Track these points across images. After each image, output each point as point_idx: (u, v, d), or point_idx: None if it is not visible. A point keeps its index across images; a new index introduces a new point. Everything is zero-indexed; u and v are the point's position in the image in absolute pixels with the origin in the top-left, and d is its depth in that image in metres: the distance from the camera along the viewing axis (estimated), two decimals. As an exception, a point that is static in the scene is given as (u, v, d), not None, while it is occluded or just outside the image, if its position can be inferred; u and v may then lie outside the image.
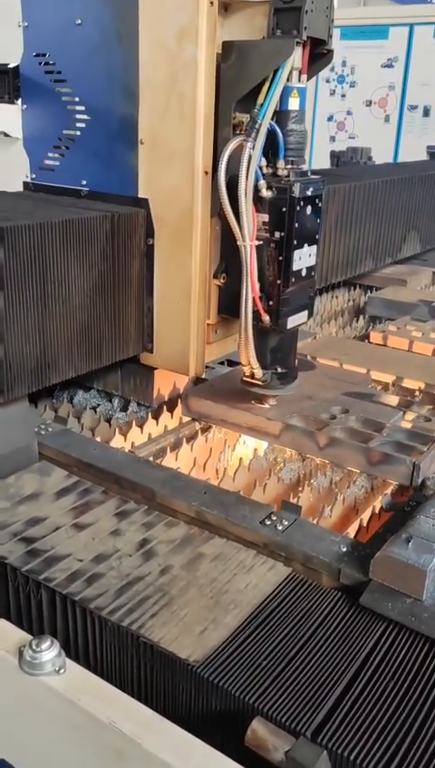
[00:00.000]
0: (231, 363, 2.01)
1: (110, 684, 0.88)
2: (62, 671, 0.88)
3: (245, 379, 1.61)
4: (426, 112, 5.65)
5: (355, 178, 2.64)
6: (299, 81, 1.47)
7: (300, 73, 1.47)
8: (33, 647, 0.89)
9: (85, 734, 0.85)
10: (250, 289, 1.47)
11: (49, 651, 0.89)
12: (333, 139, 6.03)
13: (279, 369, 1.61)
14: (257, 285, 1.49)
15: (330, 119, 6.08)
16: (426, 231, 3.26)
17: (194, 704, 0.96)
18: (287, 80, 1.43)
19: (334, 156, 4.23)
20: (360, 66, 5.82)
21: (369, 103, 5.88)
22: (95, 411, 1.85)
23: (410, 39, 5.57)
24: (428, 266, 3.37)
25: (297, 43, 1.42)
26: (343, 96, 5.98)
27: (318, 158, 4.93)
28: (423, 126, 5.68)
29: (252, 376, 1.59)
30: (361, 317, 2.74)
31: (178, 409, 1.78)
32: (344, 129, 6.05)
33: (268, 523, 1.24)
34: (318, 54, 1.53)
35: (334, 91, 6.00)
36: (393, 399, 1.73)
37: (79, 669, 0.90)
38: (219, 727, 0.93)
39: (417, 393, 1.92)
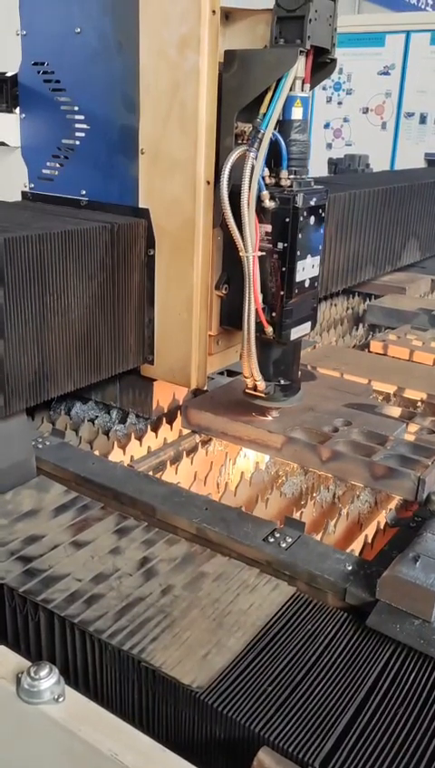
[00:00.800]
0: (231, 373, 1.99)
1: (110, 710, 0.85)
2: (61, 699, 0.85)
3: (247, 391, 1.59)
4: (423, 119, 5.66)
5: (355, 187, 2.63)
6: (302, 90, 1.46)
7: (303, 82, 1.46)
8: (32, 674, 0.86)
9: (86, 765, 0.82)
10: (253, 300, 1.46)
11: (48, 679, 0.85)
12: (329, 146, 6.04)
13: (282, 381, 1.59)
14: (260, 296, 1.47)
15: (326, 126, 6.09)
16: (425, 238, 3.26)
17: (197, 731, 0.93)
18: (290, 89, 1.42)
19: (332, 163, 4.23)
20: (356, 73, 5.84)
21: (365, 110, 5.89)
22: (93, 423, 1.83)
23: (407, 46, 5.59)
24: (427, 274, 3.37)
25: (301, 52, 1.41)
26: (340, 103, 6.00)
27: (314, 166, 4.93)
28: (420, 133, 5.70)
29: (254, 388, 1.57)
30: (360, 325, 2.72)
31: (178, 421, 1.75)
32: (341, 136, 6.05)
33: (271, 540, 1.22)
34: (321, 63, 1.51)
35: (331, 98, 6.01)
36: (396, 411, 1.71)
37: (79, 697, 0.87)
38: (224, 757, 0.90)
39: (419, 404, 1.90)
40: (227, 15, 1.52)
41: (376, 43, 5.68)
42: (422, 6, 10.44)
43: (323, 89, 5.92)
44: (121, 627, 1.03)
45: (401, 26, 5.59)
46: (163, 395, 1.82)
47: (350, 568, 1.15)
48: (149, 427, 1.77)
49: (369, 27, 5.75)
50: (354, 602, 1.10)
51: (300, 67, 1.42)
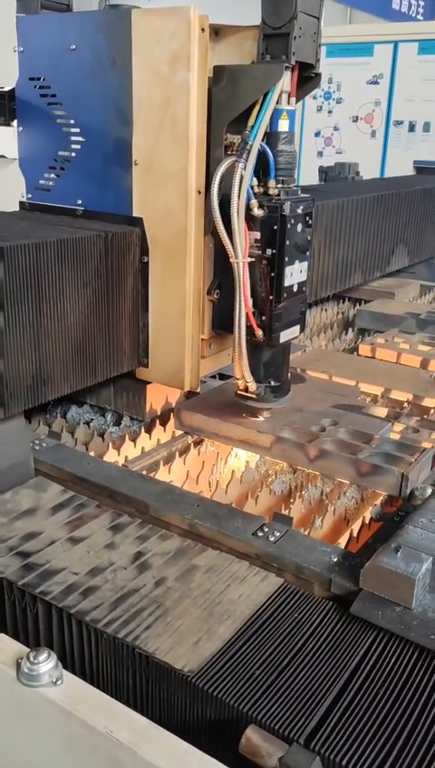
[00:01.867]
0: (222, 377, 2.05)
1: (106, 694, 0.90)
2: (59, 682, 0.90)
3: (239, 392, 1.65)
4: (411, 127, 5.76)
5: (344, 194, 2.70)
6: (288, 103, 1.52)
7: (289, 96, 1.52)
8: (31, 658, 0.90)
9: (83, 743, 0.87)
10: (243, 304, 1.51)
11: (46, 663, 0.90)
12: (320, 154, 6.13)
13: (272, 383, 1.64)
14: (250, 301, 1.53)
15: (317, 134, 6.18)
16: (413, 244, 3.32)
17: (189, 713, 0.98)
18: (277, 102, 1.48)
19: (323, 171, 4.30)
20: (346, 83, 5.93)
21: (355, 119, 5.98)
22: (88, 426, 1.87)
23: (395, 56, 5.69)
24: (416, 279, 3.44)
25: (286, 67, 1.47)
26: (330, 112, 6.09)
27: (306, 173, 5.01)
28: (409, 141, 5.79)
29: (246, 389, 1.62)
30: (350, 330, 2.78)
31: (171, 423, 1.80)
32: (332, 144, 6.14)
33: (260, 534, 1.27)
34: (306, 77, 1.58)
35: (321, 107, 6.10)
36: (382, 411, 1.77)
37: (76, 680, 0.91)
38: (214, 735, 0.95)
39: (405, 405, 1.96)
40: (217, 32, 1.58)
41: (365, 53, 5.78)
42: (413, 15, 10.56)
43: (314, 98, 6.01)
44: (116, 616, 1.08)
45: (389, 36, 5.69)
46: (156, 398, 1.87)
47: (335, 559, 1.20)
48: (142, 428, 1.82)
49: (358, 38, 5.85)
50: (339, 592, 1.15)
51: (286, 81, 1.49)
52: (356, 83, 5.84)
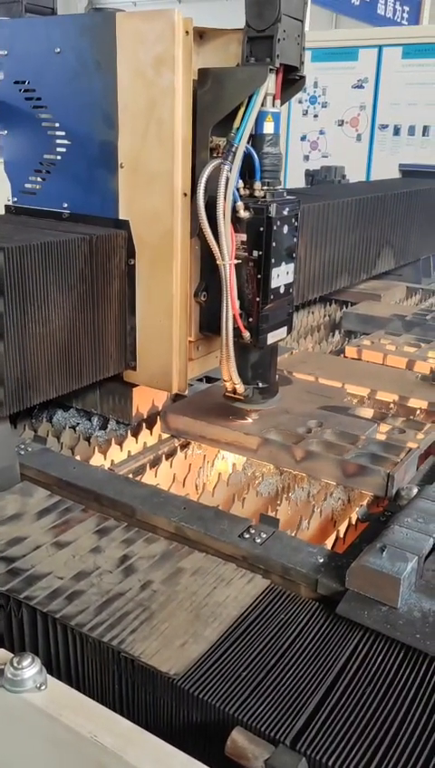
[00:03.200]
0: (209, 380, 2.05)
1: (91, 699, 0.90)
2: (43, 687, 0.89)
3: (227, 394, 1.65)
4: (396, 131, 5.80)
5: (330, 197, 2.71)
6: (273, 106, 1.53)
7: (274, 99, 1.53)
8: (15, 664, 0.90)
9: (67, 748, 0.86)
10: (230, 306, 1.51)
11: (30, 668, 0.89)
12: (306, 158, 6.15)
13: (260, 384, 1.64)
14: (237, 303, 1.53)
15: (303, 138, 6.20)
16: (399, 247, 3.35)
17: (175, 716, 0.97)
18: (262, 105, 1.49)
19: (309, 175, 4.32)
20: (331, 87, 5.97)
21: (341, 123, 6.01)
22: (75, 430, 1.86)
23: (379, 60, 5.73)
24: (402, 281, 3.46)
25: (270, 69, 1.48)
26: (316, 116, 6.11)
27: (292, 177, 5.02)
28: (394, 144, 5.83)
29: (234, 391, 1.62)
30: (336, 332, 2.80)
31: (158, 426, 1.80)
32: (318, 148, 6.17)
33: (247, 536, 1.27)
34: (291, 80, 1.59)
35: (307, 111, 6.13)
36: (368, 412, 1.77)
37: (60, 685, 0.91)
38: (200, 738, 0.95)
39: (391, 405, 1.97)
40: (201, 35, 1.59)
41: (350, 58, 5.81)
42: (397, 20, 10.64)
43: (300, 102, 6.04)
44: (102, 620, 1.07)
45: (373, 41, 5.73)
46: (143, 401, 1.86)
47: (321, 560, 1.20)
48: (129, 432, 1.81)
49: (342, 42, 5.88)
50: (325, 592, 1.15)
51: (270, 84, 1.49)
52: (341, 87, 5.87)
